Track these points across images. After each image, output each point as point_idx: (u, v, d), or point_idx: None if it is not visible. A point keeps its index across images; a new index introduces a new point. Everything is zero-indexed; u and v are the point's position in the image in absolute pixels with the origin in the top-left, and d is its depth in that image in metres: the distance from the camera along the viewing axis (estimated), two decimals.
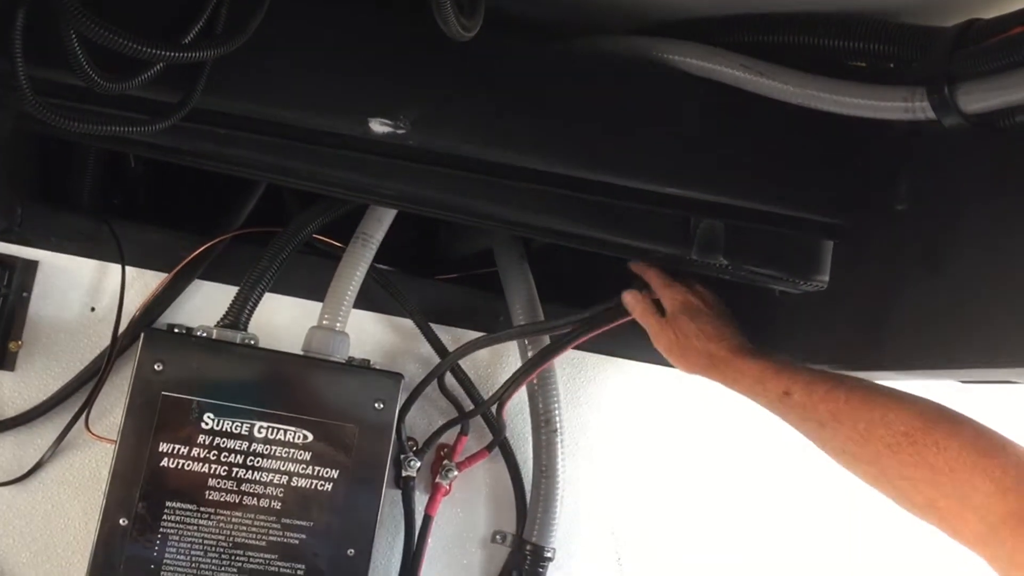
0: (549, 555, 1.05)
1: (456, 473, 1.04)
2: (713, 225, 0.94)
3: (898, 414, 0.74)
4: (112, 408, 0.94)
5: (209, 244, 0.97)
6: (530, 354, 1.03)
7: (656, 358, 1.13)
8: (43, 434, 0.93)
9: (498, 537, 1.08)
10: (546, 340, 1.04)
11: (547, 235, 0.95)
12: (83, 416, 0.92)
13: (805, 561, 1.17)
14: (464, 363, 1.06)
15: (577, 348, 1.10)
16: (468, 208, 0.91)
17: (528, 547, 1.05)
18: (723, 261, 0.94)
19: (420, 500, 1.04)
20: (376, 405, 0.91)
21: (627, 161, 0.83)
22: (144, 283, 0.96)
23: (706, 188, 0.86)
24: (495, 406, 1.03)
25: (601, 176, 0.84)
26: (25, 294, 0.93)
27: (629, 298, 1.01)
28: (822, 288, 0.96)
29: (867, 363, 0.90)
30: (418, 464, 1.02)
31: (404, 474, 1.02)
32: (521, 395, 1.07)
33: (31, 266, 0.94)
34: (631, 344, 1.13)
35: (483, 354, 1.08)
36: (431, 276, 1.14)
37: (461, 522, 1.07)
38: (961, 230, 0.80)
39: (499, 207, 0.90)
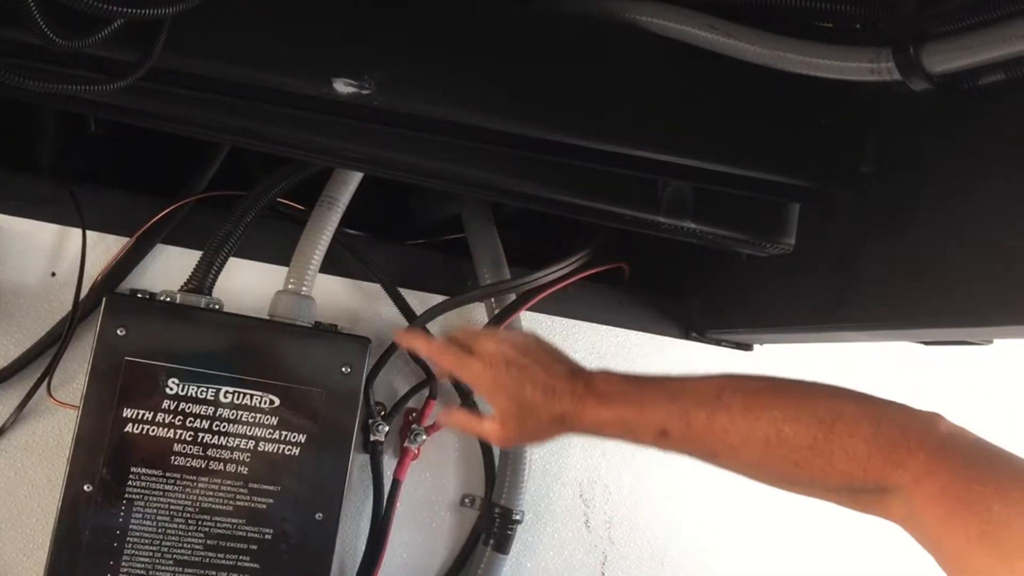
0: (518, 518, 1.05)
1: (425, 437, 1.04)
2: (681, 188, 0.94)
3: (793, 427, 0.69)
4: (75, 374, 0.92)
5: (172, 208, 0.96)
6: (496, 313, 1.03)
7: (627, 322, 1.14)
8: (4, 400, 0.91)
9: (467, 500, 1.08)
10: (512, 299, 1.04)
11: (515, 198, 0.94)
12: (45, 382, 0.90)
13: (775, 521, 1.19)
14: (432, 327, 1.05)
15: (546, 312, 1.10)
16: (435, 171, 0.90)
17: (497, 510, 1.05)
18: (691, 224, 0.95)
19: (389, 464, 1.04)
20: (343, 369, 0.91)
21: (594, 123, 0.83)
22: (106, 247, 0.95)
23: (673, 150, 0.85)
24: None
25: (568, 138, 0.83)
26: None
27: (444, 418, 0.91)
28: (788, 251, 0.96)
29: (833, 324, 0.91)
30: (386, 428, 1.02)
31: (372, 438, 1.01)
32: None
33: None
34: (600, 307, 1.13)
35: (452, 319, 1.08)
36: (399, 241, 1.14)
37: (430, 486, 1.07)
38: (925, 193, 0.80)
39: (466, 170, 0.89)
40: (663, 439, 0.75)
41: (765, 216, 0.96)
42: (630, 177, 0.91)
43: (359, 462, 1.01)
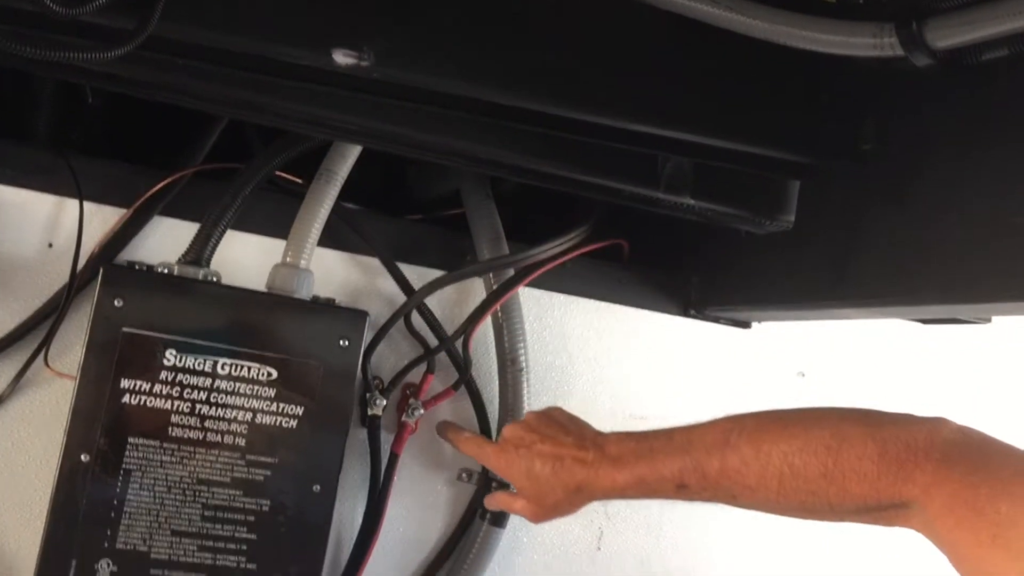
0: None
1: (422, 412, 1.04)
2: (681, 164, 0.94)
3: (803, 458, 0.71)
4: (72, 345, 0.92)
5: (169, 179, 0.95)
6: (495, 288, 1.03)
7: (626, 299, 1.14)
8: (1, 371, 0.91)
9: (464, 475, 1.09)
10: (511, 275, 1.04)
11: (514, 173, 0.94)
12: (42, 353, 0.90)
13: None
14: (431, 303, 1.05)
15: (545, 288, 1.10)
16: (434, 144, 0.90)
17: (494, 485, 1.05)
18: (690, 201, 0.94)
19: (386, 439, 1.04)
20: (341, 343, 0.91)
21: (594, 97, 0.82)
22: (103, 219, 0.94)
23: (673, 125, 0.85)
24: (461, 341, 1.03)
25: (568, 112, 0.83)
26: None
27: (488, 502, 0.99)
28: (788, 228, 0.96)
29: (832, 301, 0.91)
30: (384, 403, 1.02)
31: (370, 413, 1.01)
32: (487, 335, 1.07)
33: None
34: (598, 284, 1.13)
35: (450, 294, 1.08)
36: (397, 216, 1.13)
37: (427, 460, 1.07)
38: (927, 169, 0.80)
39: (465, 143, 0.89)
40: (682, 491, 0.77)
41: (765, 193, 0.96)
42: (630, 152, 0.91)
43: (356, 437, 1.02)
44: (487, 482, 1.07)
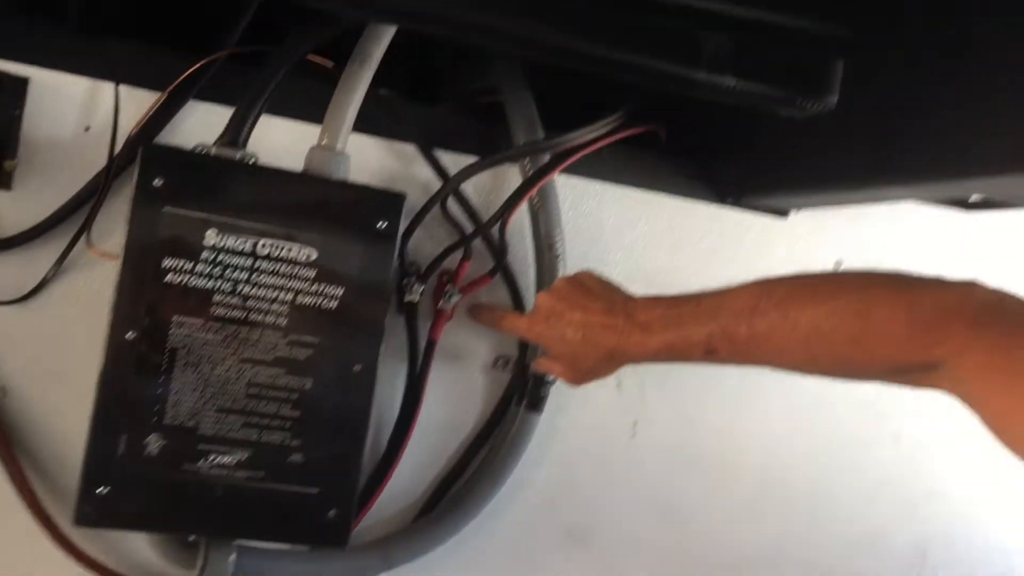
0: (551, 378, 1.06)
1: (458, 298, 1.04)
2: (722, 42, 0.92)
3: (831, 322, 0.71)
4: (112, 229, 0.93)
5: (204, 62, 0.94)
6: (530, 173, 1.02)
7: (662, 187, 1.13)
8: (45, 254, 0.92)
9: (500, 362, 1.09)
10: (547, 160, 1.03)
11: (553, 54, 0.92)
12: (85, 234, 0.91)
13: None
14: (466, 190, 1.05)
15: (580, 175, 1.09)
16: (468, 21, 0.88)
17: (530, 370, 1.06)
18: (731, 82, 0.92)
19: (423, 326, 1.04)
20: (379, 224, 0.91)
21: None
22: (138, 102, 0.94)
23: None
24: (497, 227, 1.03)
25: None
26: (17, 112, 0.91)
27: (535, 367, 0.99)
28: (830, 109, 0.94)
29: (877, 181, 0.90)
30: (421, 289, 1.02)
31: (407, 299, 1.02)
32: (523, 221, 1.07)
33: (21, 83, 0.91)
34: (634, 171, 1.12)
35: (485, 182, 1.07)
36: (432, 103, 1.12)
37: (464, 347, 1.08)
38: (977, 35, 0.78)
39: (501, 19, 0.86)
40: (711, 356, 0.78)
41: (807, 73, 0.93)
42: (670, 31, 0.89)
43: (393, 324, 1.02)
44: (523, 367, 1.07)
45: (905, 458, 1.26)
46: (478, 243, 1.05)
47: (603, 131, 1.04)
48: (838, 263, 1.18)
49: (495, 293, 1.08)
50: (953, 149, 0.80)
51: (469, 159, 1.04)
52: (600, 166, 1.09)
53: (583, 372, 0.89)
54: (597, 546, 1.16)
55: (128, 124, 0.93)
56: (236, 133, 0.90)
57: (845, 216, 1.19)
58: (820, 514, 1.24)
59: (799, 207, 1.16)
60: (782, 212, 1.16)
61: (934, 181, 0.85)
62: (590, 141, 1.04)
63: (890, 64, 0.88)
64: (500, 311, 1.03)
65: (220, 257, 0.86)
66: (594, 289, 0.89)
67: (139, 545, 0.97)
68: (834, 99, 0.94)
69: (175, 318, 0.85)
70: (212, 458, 0.87)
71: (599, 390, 1.13)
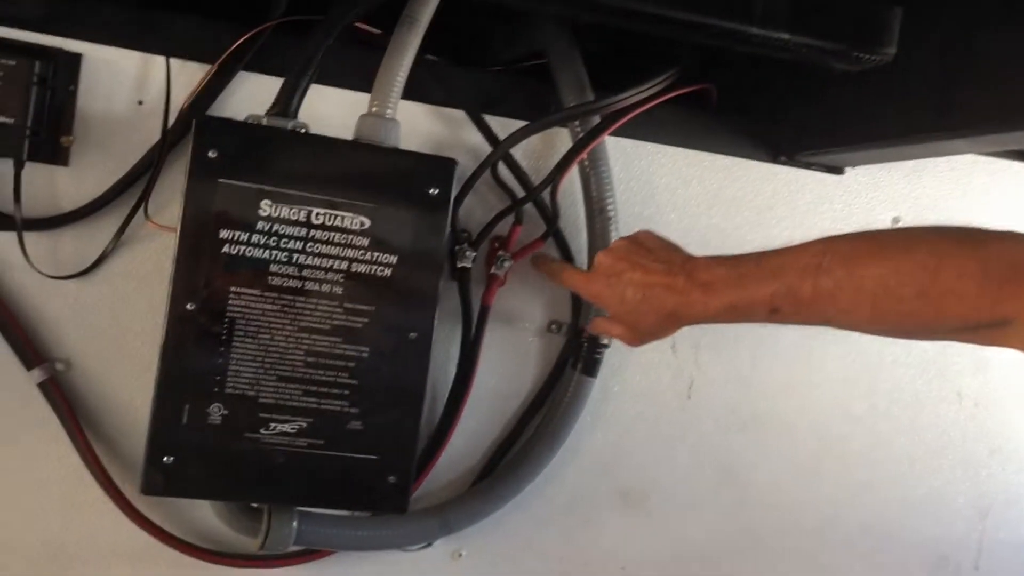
0: (605, 342, 1.06)
1: (511, 263, 1.03)
2: None
3: (898, 279, 0.68)
4: (168, 202, 0.94)
5: (252, 32, 0.94)
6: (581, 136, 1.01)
7: (714, 146, 1.11)
8: (103, 228, 0.93)
9: (553, 326, 1.09)
10: (597, 122, 1.02)
11: (601, 12, 0.91)
12: (142, 207, 0.92)
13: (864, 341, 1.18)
14: (516, 155, 1.04)
15: (631, 137, 1.08)
16: None
17: (584, 334, 1.06)
18: (785, 36, 0.90)
19: (476, 292, 1.04)
20: (431, 191, 0.91)
21: None
22: (189, 75, 0.94)
23: None
24: (548, 191, 1.02)
25: None
26: (72, 88, 0.92)
27: (592, 327, 0.99)
28: (888, 61, 0.92)
29: (937, 133, 0.87)
30: (473, 255, 1.02)
31: (459, 265, 1.02)
32: (575, 184, 1.06)
33: (74, 59, 0.92)
34: (686, 132, 1.10)
35: (535, 146, 1.06)
36: (479, 68, 1.11)
37: (517, 312, 1.08)
38: None
39: None
40: (775, 315, 0.76)
41: (864, 24, 0.91)
42: None
43: (447, 290, 1.02)
44: (577, 332, 1.07)
45: (967, 417, 1.24)
46: (529, 208, 1.04)
47: (654, 91, 1.02)
48: (896, 220, 1.16)
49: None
50: (1016, 98, 0.78)
51: (518, 123, 1.03)
52: (651, 127, 1.08)
53: (642, 333, 0.88)
54: (653, 509, 1.16)
55: (180, 97, 0.94)
56: (287, 103, 0.90)
57: (902, 172, 1.17)
58: (879, 475, 1.23)
59: (855, 164, 1.14)
60: (838, 169, 1.14)
61: (996, 132, 0.83)
62: (641, 102, 1.02)
63: (949, 11, 0.86)
64: (561, 263, 1.02)
65: (275, 227, 0.86)
66: (654, 249, 0.87)
67: (203, 513, 1.00)
68: (892, 51, 0.92)
69: (233, 289, 0.86)
70: (273, 426, 0.88)
71: (653, 353, 1.12)
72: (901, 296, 0.68)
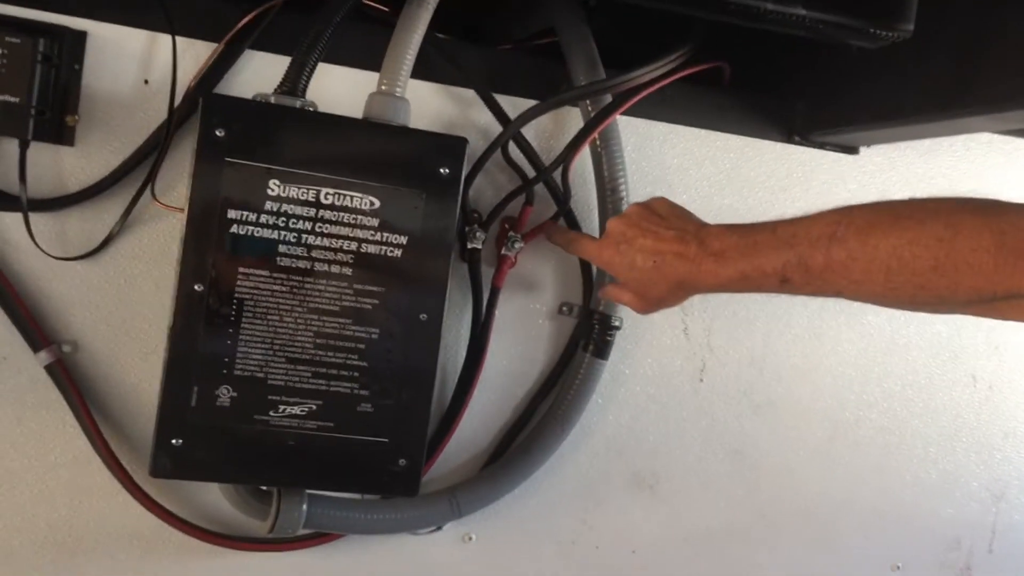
0: (617, 324, 1.05)
1: (521, 244, 1.02)
2: None
3: (912, 250, 0.66)
4: (175, 182, 0.93)
5: (259, 10, 0.93)
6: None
7: (728, 126, 1.10)
8: (110, 208, 0.92)
9: (564, 308, 1.08)
10: (609, 101, 1.01)
11: None
12: (149, 187, 0.91)
13: (879, 323, 1.17)
14: (527, 134, 1.03)
15: (643, 117, 1.07)
16: None
17: (596, 316, 1.05)
18: (801, 11, 0.89)
19: (486, 273, 1.03)
20: (442, 171, 0.89)
21: None
22: (195, 54, 0.93)
23: None
24: (560, 171, 1.01)
25: None
26: (77, 66, 0.90)
27: (602, 294, 0.97)
28: (906, 38, 0.90)
29: (956, 110, 0.86)
30: (483, 236, 1.01)
31: (470, 246, 1.01)
32: (586, 164, 1.05)
33: (80, 37, 0.90)
34: (699, 110, 1.09)
35: (546, 125, 1.05)
36: (489, 46, 1.10)
37: (528, 294, 1.07)
38: None
39: None
40: (786, 286, 0.74)
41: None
42: None
43: (457, 271, 1.01)
44: (588, 314, 1.06)
45: (981, 400, 1.23)
46: (540, 188, 1.03)
47: (666, 69, 1.01)
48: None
49: None
50: None
51: (529, 102, 1.01)
52: (663, 106, 1.07)
53: (652, 300, 0.86)
54: (665, 492, 1.15)
55: (186, 76, 0.93)
56: (295, 82, 0.88)
57: (917, 151, 1.15)
58: (893, 458, 1.22)
59: (870, 143, 1.12)
60: (852, 149, 1.13)
61: (1016, 110, 0.81)
62: (653, 80, 1.00)
63: None
64: (573, 233, 1.01)
65: (283, 207, 0.85)
66: (667, 216, 0.86)
67: (212, 496, 0.99)
68: (910, 27, 0.90)
69: (241, 269, 0.85)
70: (282, 409, 0.87)
71: (665, 336, 1.11)
72: (916, 268, 0.67)
